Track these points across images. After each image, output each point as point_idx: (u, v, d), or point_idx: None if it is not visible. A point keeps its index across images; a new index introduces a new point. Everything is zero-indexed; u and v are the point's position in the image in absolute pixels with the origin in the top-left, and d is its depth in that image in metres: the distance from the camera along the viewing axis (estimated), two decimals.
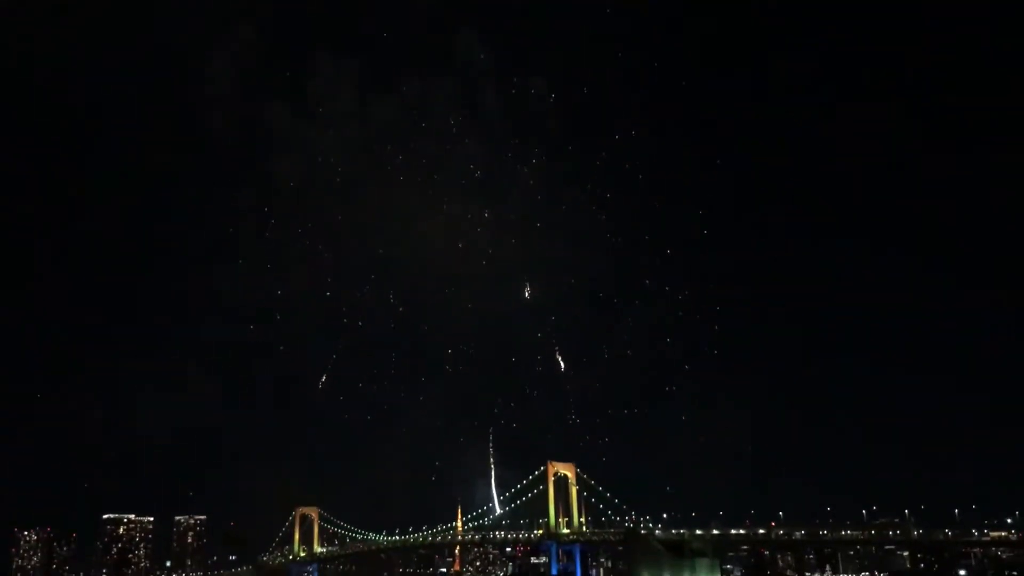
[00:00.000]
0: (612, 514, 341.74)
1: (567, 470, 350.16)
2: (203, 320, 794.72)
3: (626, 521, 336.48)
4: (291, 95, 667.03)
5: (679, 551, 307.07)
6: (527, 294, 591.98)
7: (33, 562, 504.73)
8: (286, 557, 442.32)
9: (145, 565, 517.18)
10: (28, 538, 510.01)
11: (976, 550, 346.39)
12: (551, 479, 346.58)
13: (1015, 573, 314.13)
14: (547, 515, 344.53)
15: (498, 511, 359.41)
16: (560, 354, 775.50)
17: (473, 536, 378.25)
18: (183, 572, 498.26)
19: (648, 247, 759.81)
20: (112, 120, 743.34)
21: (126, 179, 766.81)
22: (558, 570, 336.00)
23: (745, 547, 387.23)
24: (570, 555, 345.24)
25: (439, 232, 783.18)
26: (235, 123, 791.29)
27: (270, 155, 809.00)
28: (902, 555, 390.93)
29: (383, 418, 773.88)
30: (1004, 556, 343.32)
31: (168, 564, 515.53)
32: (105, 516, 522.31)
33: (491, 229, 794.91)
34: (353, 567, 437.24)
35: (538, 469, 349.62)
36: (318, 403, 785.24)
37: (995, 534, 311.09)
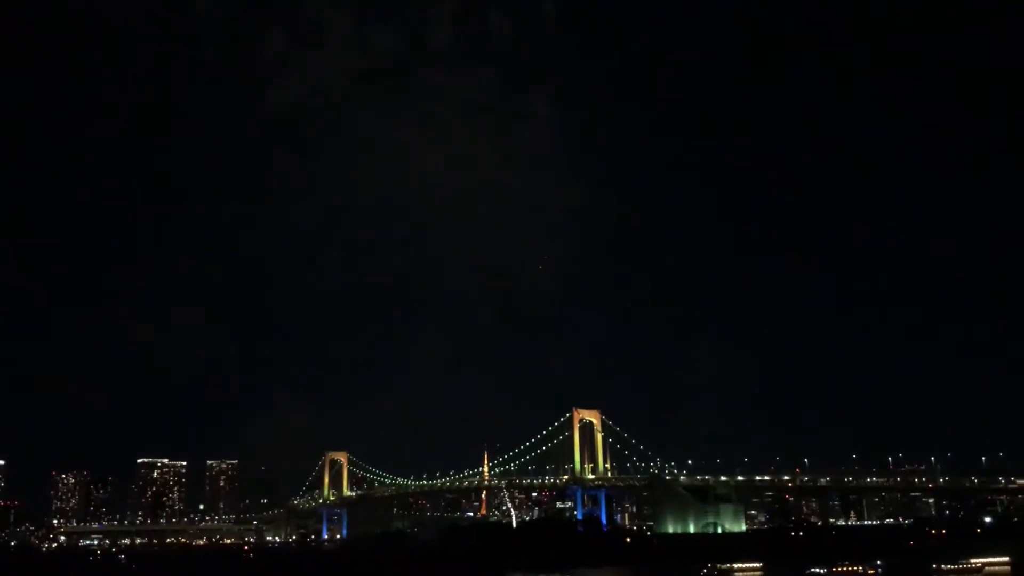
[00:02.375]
0: (637, 460, 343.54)
1: (592, 416, 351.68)
2: (207, 257, 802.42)
3: (651, 467, 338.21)
4: (288, 21, 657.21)
5: (704, 496, 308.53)
6: (540, 268, 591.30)
7: (71, 504, 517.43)
8: (316, 500, 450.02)
9: (179, 508, 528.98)
10: (66, 481, 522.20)
11: (1002, 497, 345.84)
12: (576, 425, 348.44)
13: None
14: (572, 461, 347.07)
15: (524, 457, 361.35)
16: (575, 300, 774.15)
17: (499, 481, 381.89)
18: (215, 515, 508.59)
19: (670, 187, 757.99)
20: (107, 52, 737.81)
21: (124, 113, 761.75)
22: (583, 515, 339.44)
23: (770, 493, 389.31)
24: (595, 500, 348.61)
25: (442, 168, 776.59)
26: (231, 51, 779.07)
27: (267, 84, 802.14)
28: (927, 502, 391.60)
29: (394, 362, 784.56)
30: None
31: (201, 507, 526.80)
32: (140, 460, 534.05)
33: (497, 166, 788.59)
34: (381, 510, 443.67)
35: (564, 415, 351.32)
36: (328, 345, 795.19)
37: (1021, 481, 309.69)
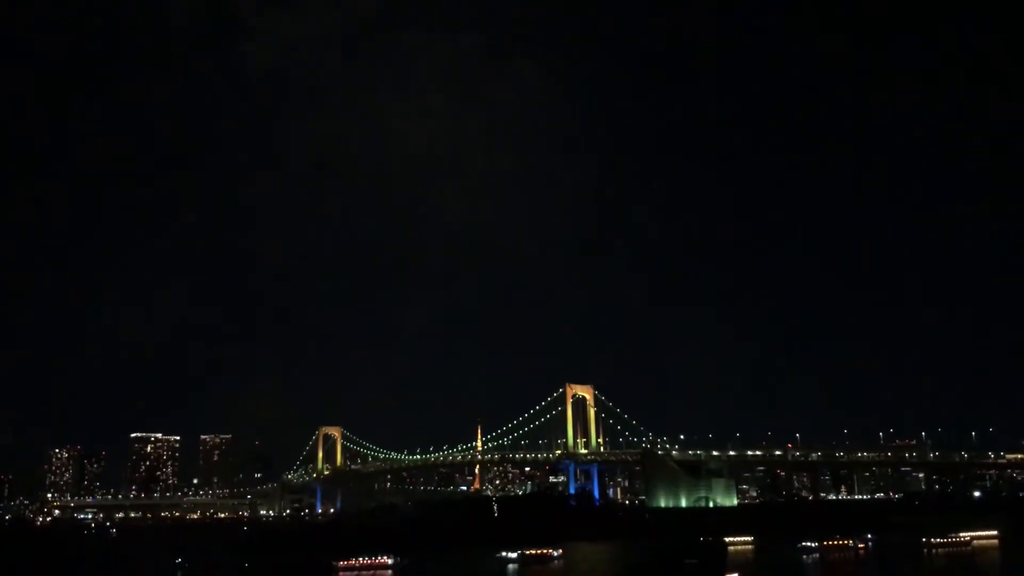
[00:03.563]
0: (629, 435, 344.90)
1: (585, 392, 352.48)
2: (188, 230, 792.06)
3: (643, 442, 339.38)
4: None
5: (695, 471, 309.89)
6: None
7: (65, 478, 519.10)
8: (310, 475, 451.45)
9: (173, 482, 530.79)
10: (59, 455, 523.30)
11: (991, 472, 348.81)
12: (569, 401, 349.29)
13: None
14: (565, 436, 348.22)
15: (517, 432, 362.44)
16: (564, 273, 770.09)
17: (493, 456, 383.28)
18: (209, 489, 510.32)
19: (658, 158, 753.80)
20: (77, 15, 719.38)
21: (96, 79, 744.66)
22: (576, 489, 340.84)
23: (761, 468, 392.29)
24: (588, 475, 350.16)
25: (422, 136, 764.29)
26: (200, 10, 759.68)
27: (239, 44, 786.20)
28: (917, 476, 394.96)
29: (384, 336, 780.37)
30: (1019, 478, 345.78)
31: (195, 481, 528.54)
32: (133, 435, 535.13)
33: (481, 134, 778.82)
34: (375, 484, 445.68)
35: (557, 391, 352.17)
36: (316, 318, 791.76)
37: (1011, 456, 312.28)
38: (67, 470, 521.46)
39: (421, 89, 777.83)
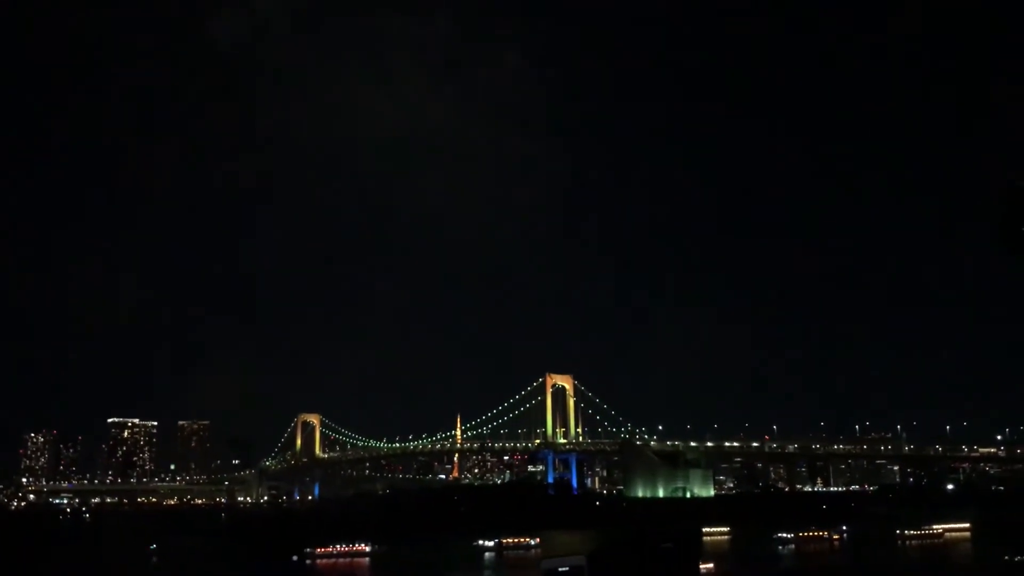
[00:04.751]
0: (608, 425, 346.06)
1: (565, 381, 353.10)
2: (157, 216, 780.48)
3: (622, 432, 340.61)
4: None
5: (673, 461, 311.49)
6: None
7: (40, 463, 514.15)
8: (288, 462, 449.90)
9: (150, 468, 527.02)
10: (35, 440, 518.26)
11: (964, 465, 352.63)
12: (549, 390, 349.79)
13: (1001, 488, 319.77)
14: (545, 425, 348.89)
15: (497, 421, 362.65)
16: (541, 261, 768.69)
17: (472, 444, 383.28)
18: (187, 475, 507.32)
19: (636, 147, 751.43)
20: None
21: (57, 52, 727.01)
22: (554, 478, 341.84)
23: (738, 459, 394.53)
24: (566, 464, 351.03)
25: (398, 117, 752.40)
26: None
27: (205, 22, 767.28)
28: (892, 469, 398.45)
29: (363, 323, 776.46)
30: (991, 471, 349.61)
31: (172, 467, 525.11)
32: (110, 420, 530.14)
33: (453, 116, 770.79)
34: (353, 472, 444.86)
35: (537, 380, 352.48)
36: (291, 304, 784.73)
37: (983, 450, 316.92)
38: (43, 455, 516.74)
39: (394, 71, 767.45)
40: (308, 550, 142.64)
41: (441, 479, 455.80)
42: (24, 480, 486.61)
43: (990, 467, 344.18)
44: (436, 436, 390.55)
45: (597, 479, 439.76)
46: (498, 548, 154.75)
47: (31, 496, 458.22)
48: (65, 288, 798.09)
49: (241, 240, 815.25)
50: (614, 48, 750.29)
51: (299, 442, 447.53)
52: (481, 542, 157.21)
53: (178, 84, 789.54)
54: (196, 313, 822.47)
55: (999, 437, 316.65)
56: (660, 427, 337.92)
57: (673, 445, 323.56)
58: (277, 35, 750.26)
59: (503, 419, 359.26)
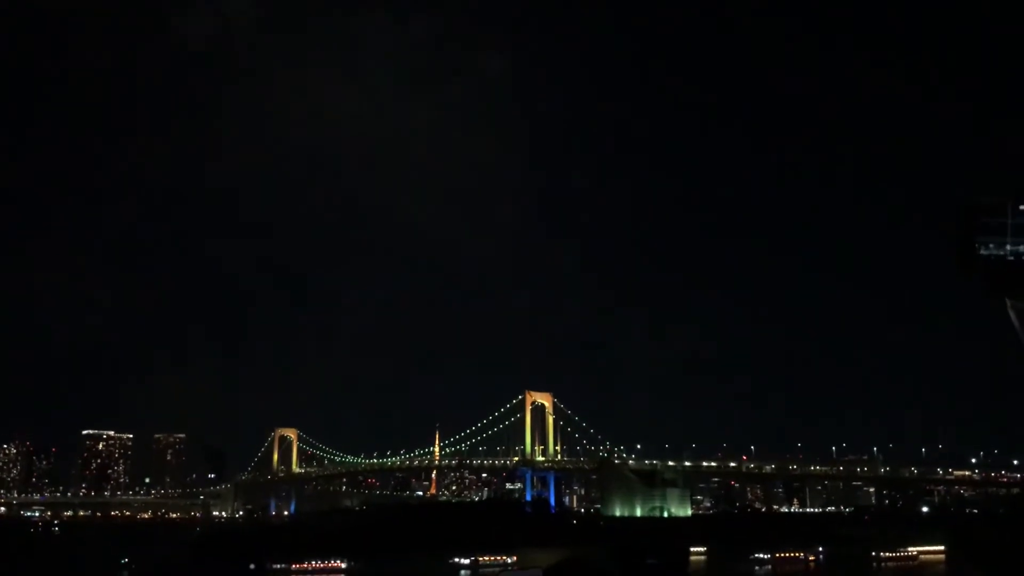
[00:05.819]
0: (587, 443, 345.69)
1: (544, 399, 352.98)
2: (120, 216, 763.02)
3: (600, 451, 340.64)
4: None
5: (651, 481, 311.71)
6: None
7: (12, 475, 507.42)
8: (264, 477, 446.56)
9: (124, 481, 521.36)
10: (7, 451, 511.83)
11: (939, 488, 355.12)
12: (528, 408, 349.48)
13: (976, 511, 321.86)
14: (523, 443, 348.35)
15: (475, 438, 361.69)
16: (518, 280, 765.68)
17: (450, 461, 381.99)
18: (162, 489, 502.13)
19: (620, 161, 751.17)
20: None
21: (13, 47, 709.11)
22: (532, 496, 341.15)
23: (716, 479, 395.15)
24: (544, 482, 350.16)
25: (373, 124, 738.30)
26: None
27: (175, 19, 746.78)
28: (868, 491, 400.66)
29: (337, 337, 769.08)
30: (966, 494, 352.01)
31: (147, 480, 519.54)
32: (85, 432, 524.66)
33: (430, 125, 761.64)
34: (330, 487, 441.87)
35: (516, 397, 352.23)
36: (270, 316, 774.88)
37: (958, 473, 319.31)
38: (15, 466, 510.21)
39: (368, 75, 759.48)
40: (277, 566, 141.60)
41: (419, 495, 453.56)
42: None
43: (965, 490, 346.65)
44: (414, 452, 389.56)
45: (575, 497, 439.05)
46: (474, 566, 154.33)
47: (1, 508, 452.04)
48: (40, 299, 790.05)
49: (210, 244, 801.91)
50: (599, 58, 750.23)
51: (276, 456, 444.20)
52: (458, 559, 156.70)
53: (144, 85, 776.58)
54: (171, 324, 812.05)
55: (973, 460, 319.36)
56: (638, 446, 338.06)
57: (651, 464, 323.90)
58: (246, 36, 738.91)
59: (482, 436, 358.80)
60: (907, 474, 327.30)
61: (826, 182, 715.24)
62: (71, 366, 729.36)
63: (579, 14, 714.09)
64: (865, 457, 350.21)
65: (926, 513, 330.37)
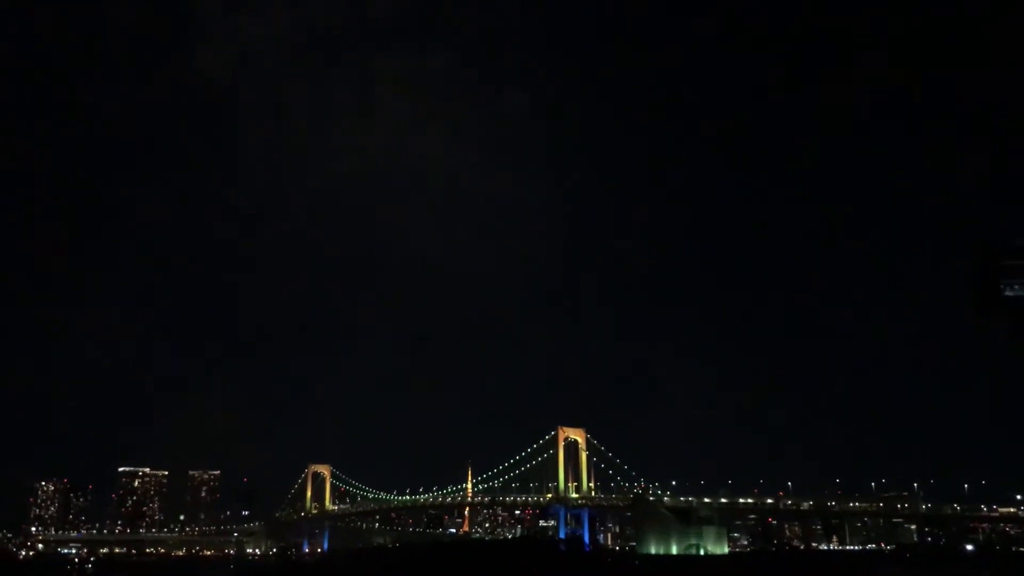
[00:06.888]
0: (621, 480, 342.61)
1: (577, 435, 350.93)
2: (156, 252, 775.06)
3: (635, 487, 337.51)
4: None
5: (686, 518, 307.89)
6: None
7: (50, 512, 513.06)
8: (298, 514, 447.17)
9: (159, 518, 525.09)
10: (45, 488, 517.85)
11: (984, 525, 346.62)
12: (561, 444, 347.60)
13: (1023, 549, 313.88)
14: (556, 479, 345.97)
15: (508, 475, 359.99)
16: (542, 316, 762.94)
17: (483, 498, 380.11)
18: (196, 526, 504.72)
19: (646, 196, 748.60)
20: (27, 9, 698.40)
21: (45, 78, 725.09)
22: (566, 534, 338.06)
23: (753, 516, 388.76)
24: (578, 519, 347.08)
25: (385, 152, 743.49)
26: (154, 12, 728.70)
27: (196, 50, 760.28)
28: (909, 528, 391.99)
29: (370, 373, 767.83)
30: (1012, 532, 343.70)
31: (182, 518, 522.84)
32: (121, 469, 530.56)
33: (447, 152, 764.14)
34: (362, 524, 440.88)
35: (549, 433, 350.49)
36: (306, 352, 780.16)
37: (1003, 510, 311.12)
38: (52, 503, 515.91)
39: (383, 106, 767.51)
40: None
41: (451, 533, 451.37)
42: (33, 529, 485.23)
43: (1011, 527, 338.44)
44: (447, 489, 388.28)
45: (609, 535, 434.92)
46: None
47: (40, 546, 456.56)
48: (80, 336, 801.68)
49: (243, 280, 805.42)
50: (617, 89, 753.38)
51: (309, 493, 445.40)
52: None
53: (163, 111, 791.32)
54: (200, 361, 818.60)
55: (1019, 497, 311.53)
56: (673, 482, 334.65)
57: (686, 501, 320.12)
58: (268, 65, 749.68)
59: (514, 472, 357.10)
60: (949, 511, 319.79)
61: (856, 233, 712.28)
62: (106, 403, 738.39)
63: (598, 47, 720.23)
64: (905, 493, 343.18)
65: (971, 551, 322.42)
